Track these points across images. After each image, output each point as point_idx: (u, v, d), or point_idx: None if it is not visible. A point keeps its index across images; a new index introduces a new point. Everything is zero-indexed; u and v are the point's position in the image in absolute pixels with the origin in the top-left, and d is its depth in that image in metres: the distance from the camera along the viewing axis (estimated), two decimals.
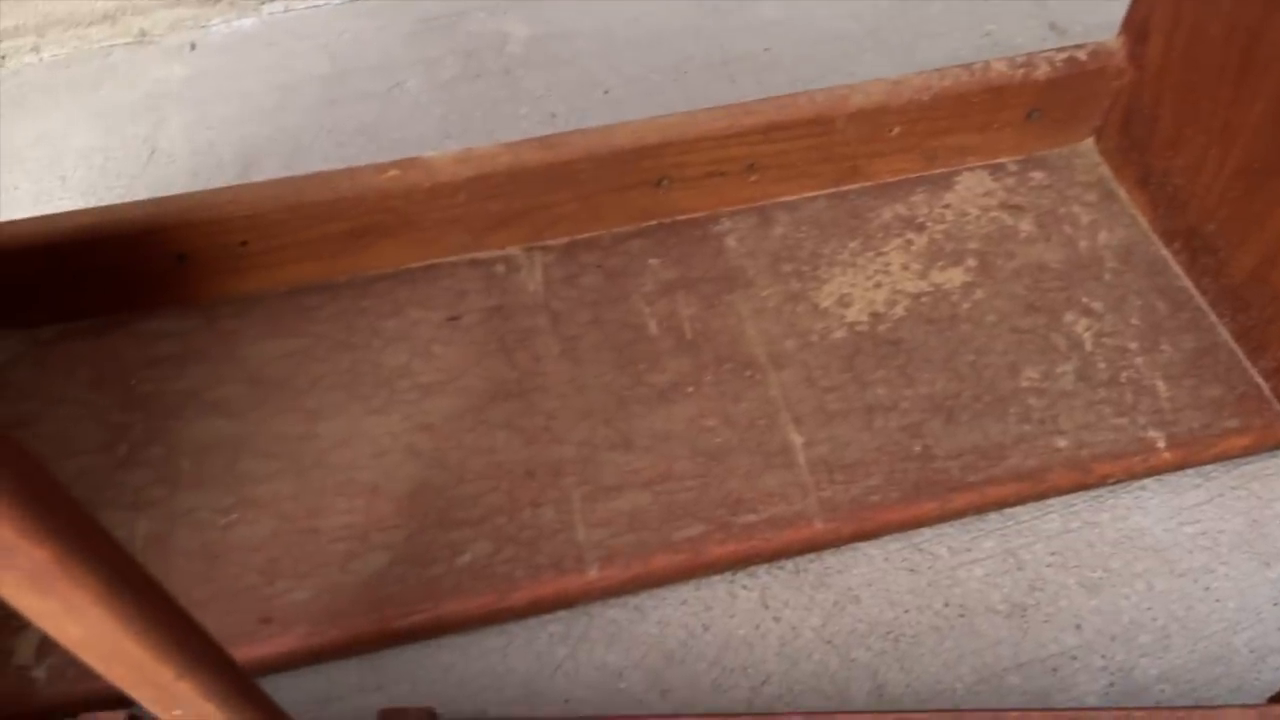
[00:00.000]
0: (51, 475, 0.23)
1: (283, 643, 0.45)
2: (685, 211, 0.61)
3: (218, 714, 0.34)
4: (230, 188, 0.54)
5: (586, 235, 0.60)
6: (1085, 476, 0.50)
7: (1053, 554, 0.50)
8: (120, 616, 0.27)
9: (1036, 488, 0.50)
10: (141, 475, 0.50)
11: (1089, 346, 0.55)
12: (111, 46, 0.77)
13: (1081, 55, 0.60)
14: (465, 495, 0.50)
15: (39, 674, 0.44)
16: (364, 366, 0.54)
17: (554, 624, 0.48)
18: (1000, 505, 0.50)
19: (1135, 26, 0.59)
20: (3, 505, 0.22)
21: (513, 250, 0.60)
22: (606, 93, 0.73)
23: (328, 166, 0.66)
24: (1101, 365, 0.54)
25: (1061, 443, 0.51)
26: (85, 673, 0.44)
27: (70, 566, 0.24)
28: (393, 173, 0.54)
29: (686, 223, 0.61)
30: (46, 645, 0.45)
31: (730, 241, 0.60)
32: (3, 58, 0.78)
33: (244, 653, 0.45)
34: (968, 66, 0.59)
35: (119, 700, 0.43)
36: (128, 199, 0.66)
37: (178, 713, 0.34)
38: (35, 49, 0.78)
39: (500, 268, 0.59)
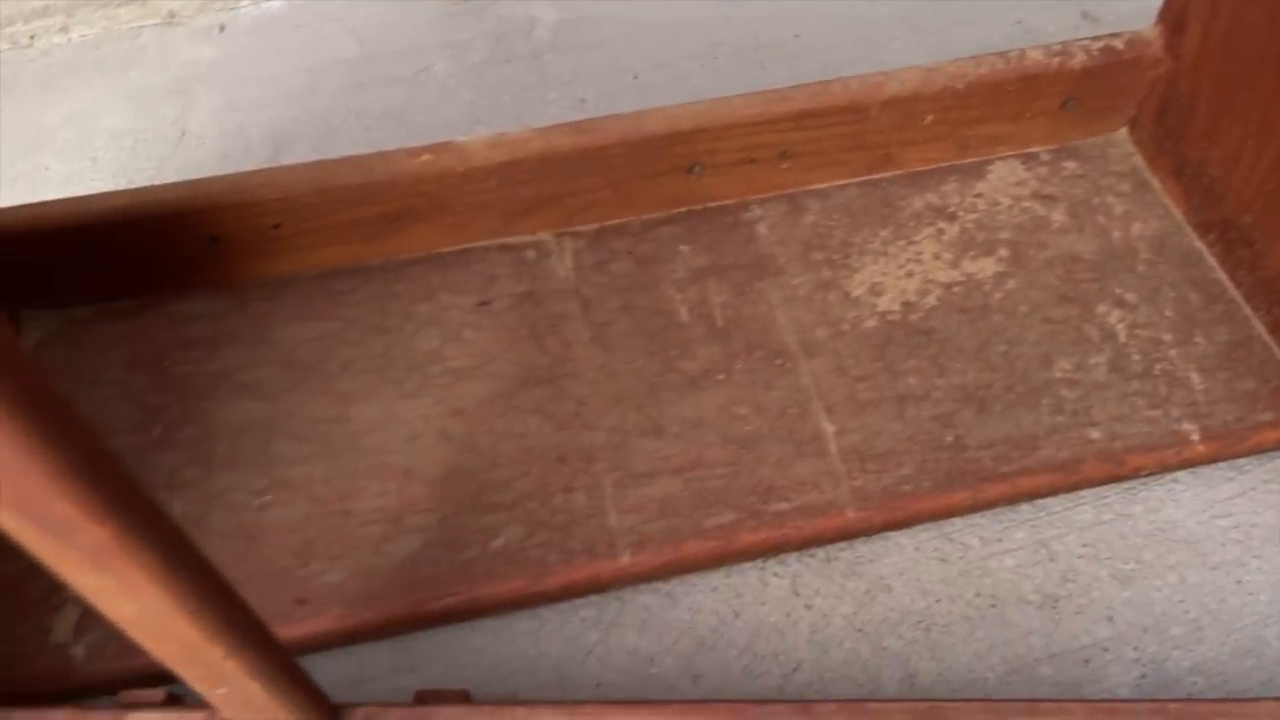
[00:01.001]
0: (112, 453, 0.23)
1: (317, 624, 0.46)
2: (716, 198, 0.61)
3: (261, 693, 0.34)
4: (263, 170, 0.54)
5: (616, 221, 0.60)
6: (1118, 468, 0.50)
7: (1085, 545, 0.49)
8: (175, 595, 0.27)
9: (1069, 479, 0.50)
10: (176, 456, 0.50)
11: (1122, 338, 0.54)
12: (141, 27, 0.78)
13: (1118, 44, 0.60)
14: (497, 480, 0.50)
15: (77, 652, 0.45)
16: (396, 350, 0.54)
17: (585, 609, 0.48)
18: (1032, 496, 0.50)
19: (1172, 16, 0.59)
20: (65, 483, 0.22)
21: (543, 236, 0.60)
22: (635, 78, 0.73)
23: (356, 150, 0.66)
24: (1135, 357, 0.54)
25: (1094, 434, 0.51)
26: (123, 651, 0.45)
27: (129, 544, 0.24)
28: (426, 157, 0.54)
29: (717, 209, 0.61)
30: (84, 623, 0.45)
31: (761, 229, 0.60)
32: (32, 38, 0.78)
33: (279, 633, 0.44)
34: (1003, 54, 0.58)
35: (158, 678, 0.43)
36: (158, 180, 0.66)
37: (222, 691, 0.34)
38: (64, 29, 0.78)
39: (531, 253, 0.59)
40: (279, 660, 0.34)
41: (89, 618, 0.45)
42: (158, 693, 0.41)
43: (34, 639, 0.45)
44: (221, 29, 0.77)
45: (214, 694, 0.34)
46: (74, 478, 0.22)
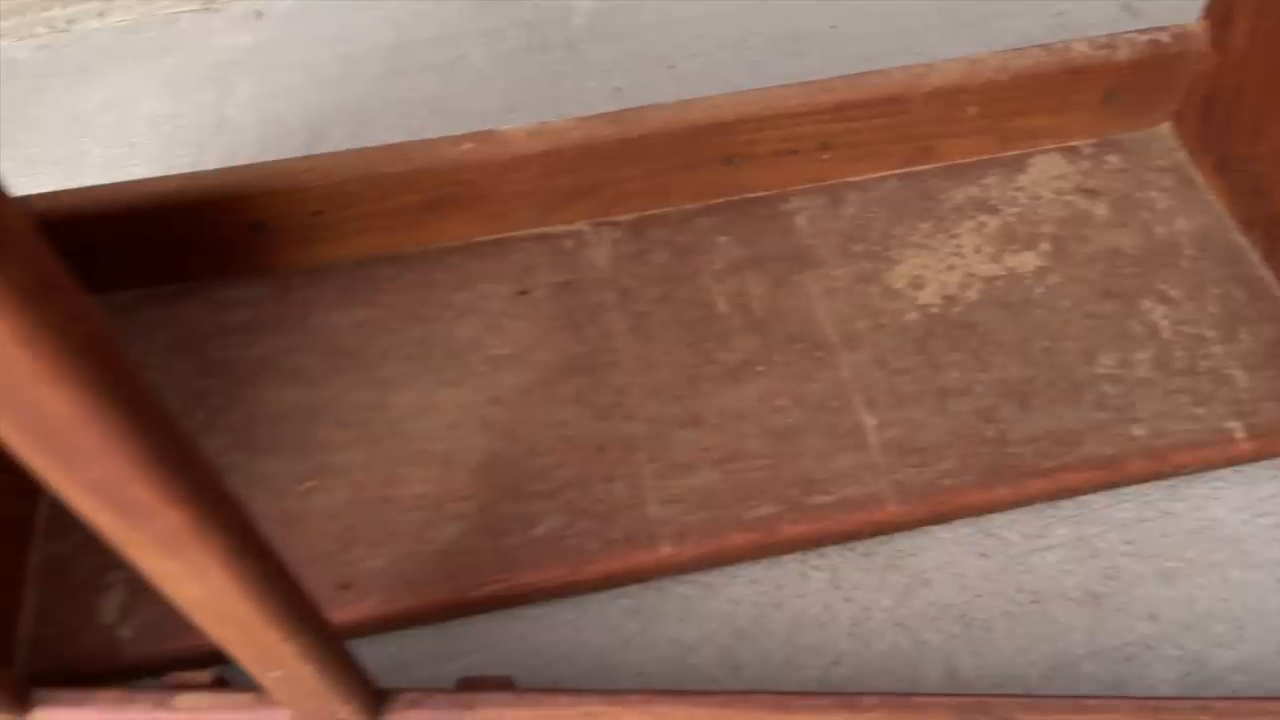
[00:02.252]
0: (191, 436, 0.24)
1: (360, 609, 0.46)
2: (754, 189, 0.60)
3: (314, 676, 0.34)
4: (307, 157, 0.54)
5: (654, 212, 0.60)
6: (1162, 465, 0.50)
7: (1127, 543, 0.49)
8: (240, 579, 0.27)
9: (1112, 476, 0.49)
10: (220, 440, 0.51)
11: (1166, 334, 0.54)
12: (178, 13, 0.78)
13: (1164, 38, 0.59)
14: (537, 468, 0.50)
15: (124, 633, 0.45)
16: (436, 338, 0.55)
17: (624, 598, 0.48)
18: (1075, 493, 0.50)
19: (1219, 11, 0.58)
20: (145, 469, 0.22)
21: (581, 225, 0.60)
22: (671, 68, 0.73)
23: (394, 137, 0.66)
24: (1179, 353, 0.53)
25: (1138, 431, 0.50)
26: (170, 633, 0.45)
27: (201, 529, 0.25)
28: (468, 145, 0.54)
29: (754, 201, 0.61)
30: (132, 605, 0.46)
31: (800, 220, 0.59)
32: (69, 22, 0.78)
33: None
34: (1048, 46, 0.58)
35: (204, 660, 0.44)
36: (197, 166, 0.66)
37: (276, 674, 0.34)
38: (101, 14, 0.79)
39: (569, 243, 0.59)
40: (332, 645, 0.34)
41: (136, 599, 0.46)
42: (205, 675, 0.42)
43: (81, 620, 0.46)
44: (259, 15, 0.77)
45: (267, 676, 0.34)
46: (154, 464, 0.22)
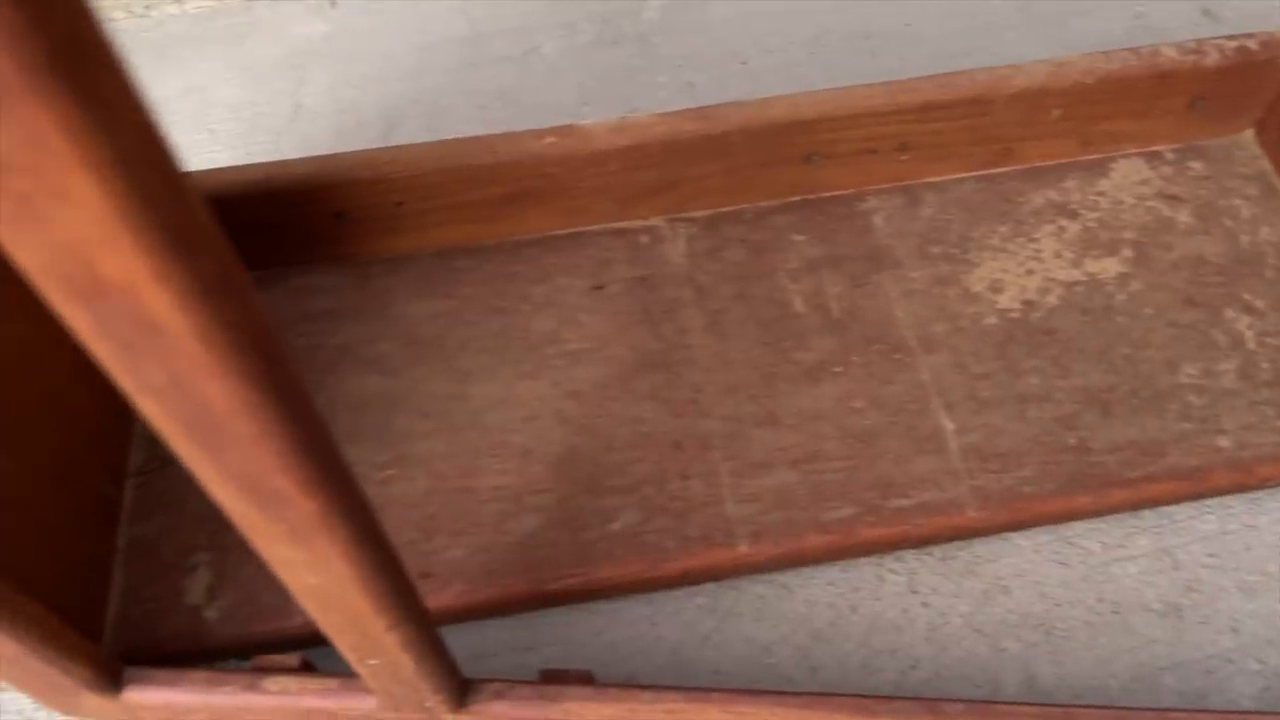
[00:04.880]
0: (325, 422, 0.24)
1: (441, 598, 0.46)
2: (831, 188, 0.60)
3: (410, 665, 0.35)
4: (392, 148, 0.54)
5: (730, 208, 0.60)
6: (1247, 478, 0.49)
7: (1210, 555, 0.49)
8: (358, 570, 0.27)
9: (1196, 487, 0.49)
10: None
11: (1251, 345, 0.53)
12: (254, 1, 0.79)
13: (1252, 45, 0.58)
14: (614, 463, 0.50)
15: (210, 614, 0.46)
16: (514, 331, 0.55)
17: (700, 596, 0.49)
18: (1157, 503, 0.49)
19: None
20: (289, 459, 0.23)
21: (656, 221, 0.60)
22: (744, 63, 0.73)
23: (469, 129, 0.67)
24: (1265, 365, 0.52)
25: (1223, 443, 0.50)
26: (256, 615, 0.46)
27: (329, 519, 0.25)
28: (550, 139, 0.54)
29: (831, 200, 0.60)
30: (218, 586, 0.46)
31: (877, 220, 0.59)
32: (147, 7, 0.79)
33: None
34: (1136, 50, 0.57)
35: (289, 643, 0.45)
36: (275, 154, 0.67)
37: (374, 662, 0.34)
38: (178, 0, 0.80)
39: (644, 238, 0.59)
40: (430, 634, 0.35)
41: (222, 581, 0.47)
42: (293, 658, 0.42)
43: (168, 600, 0.46)
44: (334, 4, 0.77)
45: (364, 664, 0.35)
46: (300, 454, 0.22)
